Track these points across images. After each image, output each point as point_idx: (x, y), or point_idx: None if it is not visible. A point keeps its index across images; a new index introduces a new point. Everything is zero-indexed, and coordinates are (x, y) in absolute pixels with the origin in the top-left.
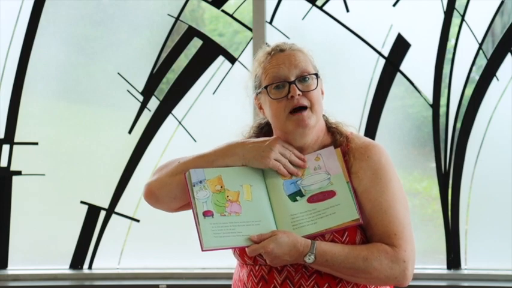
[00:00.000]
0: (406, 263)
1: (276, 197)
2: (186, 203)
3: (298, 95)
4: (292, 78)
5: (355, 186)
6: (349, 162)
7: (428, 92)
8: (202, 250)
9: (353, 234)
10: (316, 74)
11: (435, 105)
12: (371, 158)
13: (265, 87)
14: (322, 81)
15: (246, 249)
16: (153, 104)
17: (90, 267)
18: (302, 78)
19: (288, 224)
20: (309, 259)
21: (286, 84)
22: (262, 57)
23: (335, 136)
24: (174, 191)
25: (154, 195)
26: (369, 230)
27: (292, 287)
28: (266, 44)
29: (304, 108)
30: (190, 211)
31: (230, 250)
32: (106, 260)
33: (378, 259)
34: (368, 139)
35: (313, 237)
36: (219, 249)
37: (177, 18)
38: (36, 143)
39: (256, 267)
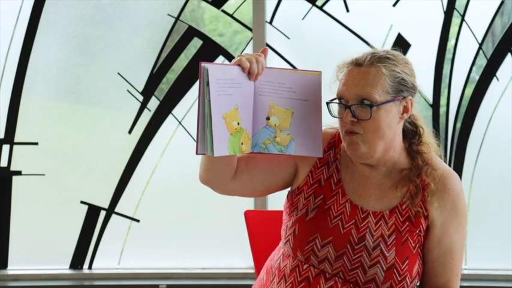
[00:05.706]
0: None
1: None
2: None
3: (351, 121)
4: (350, 102)
5: (434, 217)
6: (427, 189)
7: (428, 92)
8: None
9: (412, 263)
10: (371, 105)
11: (435, 105)
12: (452, 190)
13: (327, 103)
14: (411, 100)
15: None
16: (153, 104)
17: (90, 267)
18: (360, 103)
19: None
20: None
21: (343, 106)
22: (341, 66)
23: (416, 161)
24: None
25: (204, 179)
26: (429, 262)
27: None
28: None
29: (356, 132)
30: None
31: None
32: (106, 260)
33: None
34: (446, 166)
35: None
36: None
37: (177, 18)
38: (36, 143)
39: (305, 266)
